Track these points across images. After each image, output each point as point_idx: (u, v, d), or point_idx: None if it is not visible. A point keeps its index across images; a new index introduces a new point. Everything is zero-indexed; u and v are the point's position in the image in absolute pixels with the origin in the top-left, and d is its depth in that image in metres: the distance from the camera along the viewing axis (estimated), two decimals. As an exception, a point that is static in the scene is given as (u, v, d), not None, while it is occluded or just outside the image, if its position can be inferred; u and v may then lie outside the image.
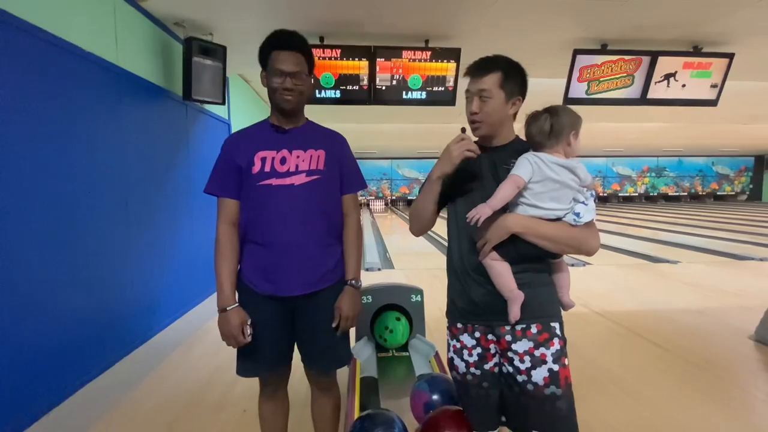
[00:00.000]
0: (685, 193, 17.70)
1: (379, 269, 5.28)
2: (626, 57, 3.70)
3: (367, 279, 4.03)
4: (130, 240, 2.66)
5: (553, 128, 1.06)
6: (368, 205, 16.19)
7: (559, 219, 1.07)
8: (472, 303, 1.12)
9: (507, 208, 1.09)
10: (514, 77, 1.11)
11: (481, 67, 1.11)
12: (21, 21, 1.82)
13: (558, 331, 1.09)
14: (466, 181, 1.14)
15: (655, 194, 17.59)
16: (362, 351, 1.78)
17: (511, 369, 1.08)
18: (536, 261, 1.11)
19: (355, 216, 1.37)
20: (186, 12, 3.04)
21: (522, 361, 1.06)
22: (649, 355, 2.63)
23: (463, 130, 1.22)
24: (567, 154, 1.07)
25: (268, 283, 1.25)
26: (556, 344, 1.07)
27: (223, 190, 1.25)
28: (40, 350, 1.92)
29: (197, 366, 2.50)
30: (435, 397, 1.26)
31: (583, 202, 1.07)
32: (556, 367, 1.05)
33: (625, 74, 3.78)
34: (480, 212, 1.04)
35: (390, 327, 1.81)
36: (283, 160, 1.24)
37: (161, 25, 3.11)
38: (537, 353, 1.06)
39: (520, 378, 1.06)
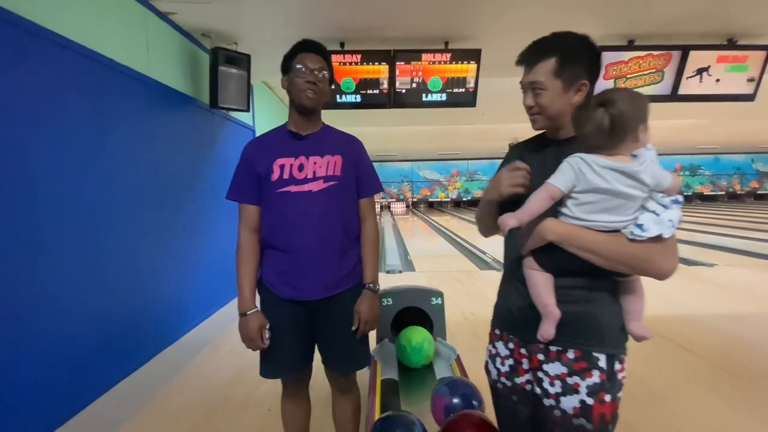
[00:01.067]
0: (723, 193, 16.86)
1: (400, 272, 5.27)
2: (655, 52, 3.58)
3: (388, 281, 4.05)
4: (161, 243, 2.77)
5: (614, 124, 0.82)
6: (389, 207, 16.21)
7: (617, 231, 0.86)
8: (510, 312, 1.05)
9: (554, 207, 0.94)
10: (575, 59, 0.93)
11: (533, 54, 0.96)
12: (60, 37, 1.93)
13: (602, 364, 0.92)
14: (531, 180, 0.98)
15: (690, 194, 16.84)
16: (383, 353, 1.79)
17: (539, 390, 0.99)
18: (591, 276, 0.92)
19: (372, 220, 1.39)
20: (212, 23, 3.16)
21: (552, 384, 0.95)
22: (681, 361, 2.52)
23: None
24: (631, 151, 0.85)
25: (289, 287, 1.27)
26: (596, 377, 0.92)
27: (244, 196, 1.29)
28: (76, 350, 2.02)
29: (224, 365, 2.57)
30: (455, 400, 1.25)
31: (653, 212, 0.83)
32: (590, 401, 0.91)
33: (654, 70, 3.65)
34: (505, 222, 0.93)
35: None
36: (300, 167, 1.25)
37: (189, 37, 3.24)
38: (569, 381, 0.93)
39: (547, 401, 0.96)
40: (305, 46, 1.27)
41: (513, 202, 0.97)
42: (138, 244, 2.53)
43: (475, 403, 1.24)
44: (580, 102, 0.95)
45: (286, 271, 1.27)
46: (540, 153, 1.03)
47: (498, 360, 1.09)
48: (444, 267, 5.55)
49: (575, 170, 0.87)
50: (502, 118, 7.46)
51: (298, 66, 1.23)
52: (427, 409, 1.35)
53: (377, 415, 1.33)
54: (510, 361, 1.07)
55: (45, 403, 1.82)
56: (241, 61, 3.43)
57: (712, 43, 3.58)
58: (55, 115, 1.91)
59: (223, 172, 3.68)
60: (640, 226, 0.83)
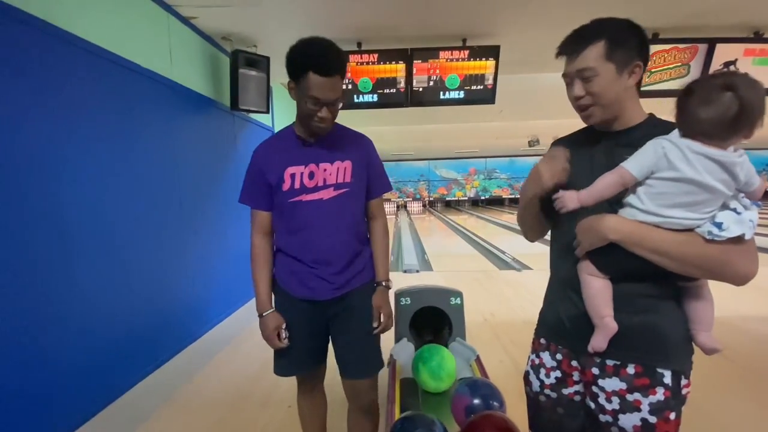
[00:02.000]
0: (752, 190, 16.23)
1: (417, 271, 5.26)
2: (680, 45, 3.47)
3: (406, 281, 4.03)
4: (182, 243, 2.84)
5: (742, 113, 0.71)
6: (406, 206, 16.18)
7: (690, 230, 0.78)
8: (560, 321, 0.96)
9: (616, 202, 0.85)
10: (625, 40, 0.85)
11: (577, 41, 0.88)
12: (86, 42, 2.00)
13: (667, 381, 0.85)
14: (575, 177, 0.90)
15: (717, 191, 16.27)
16: (402, 352, 1.79)
17: (593, 405, 0.91)
18: (655, 282, 0.84)
19: (382, 219, 1.40)
20: (232, 26, 3.21)
21: (608, 400, 0.88)
22: (711, 365, 2.41)
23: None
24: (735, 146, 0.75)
25: (302, 287, 1.29)
26: (660, 394, 0.85)
27: (256, 202, 1.30)
28: (99, 349, 2.09)
29: (246, 362, 2.62)
30: (476, 401, 1.25)
31: (733, 209, 0.76)
32: (653, 419, 0.84)
33: (679, 64, 3.54)
34: (565, 200, 0.85)
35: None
36: (311, 175, 1.24)
37: (210, 40, 3.30)
38: (630, 398, 0.86)
39: (603, 418, 0.89)
40: (319, 67, 1.08)
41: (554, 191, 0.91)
42: (160, 244, 2.60)
43: (496, 404, 1.23)
44: (638, 84, 0.88)
45: (298, 272, 1.29)
46: (587, 148, 0.92)
47: (542, 371, 1.02)
48: (462, 267, 5.51)
49: (658, 154, 0.77)
50: (522, 116, 7.35)
51: (312, 94, 1.11)
52: (447, 408, 1.35)
53: (397, 415, 1.33)
54: (557, 373, 0.99)
55: (73, 398, 1.89)
56: (261, 63, 3.48)
57: (738, 35, 3.45)
58: (83, 119, 1.98)
59: (243, 174, 3.73)
60: (719, 225, 0.75)
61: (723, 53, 3.47)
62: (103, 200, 2.09)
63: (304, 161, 1.24)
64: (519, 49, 3.67)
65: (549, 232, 1.08)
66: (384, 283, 1.36)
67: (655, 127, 0.86)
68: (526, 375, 1.09)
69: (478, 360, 1.70)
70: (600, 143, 0.92)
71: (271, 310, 1.31)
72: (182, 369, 2.54)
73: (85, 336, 1.96)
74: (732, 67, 3.49)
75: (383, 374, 1.65)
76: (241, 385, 2.34)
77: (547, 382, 1.01)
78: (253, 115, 4.05)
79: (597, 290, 0.86)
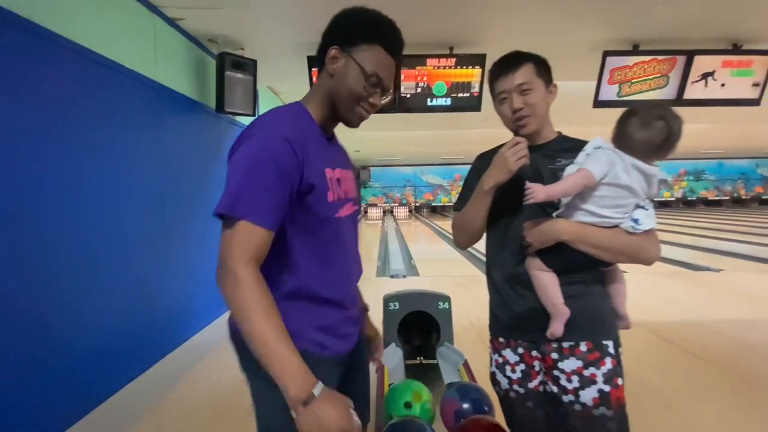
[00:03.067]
0: (727, 198, 16.78)
1: (404, 276, 5.26)
2: (660, 57, 3.58)
3: (392, 286, 4.02)
4: (167, 246, 2.78)
5: (668, 139, 0.90)
6: (392, 212, 16.22)
7: (615, 226, 0.96)
8: (515, 317, 1.06)
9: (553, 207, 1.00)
10: (543, 65, 1.04)
11: (511, 63, 1.03)
12: (69, 41, 1.95)
13: (611, 350, 1.00)
14: (506, 186, 1.01)
15: (694, 198, 16.77)
16: (390, 358, 1.78)
17: (556, 389, 1.02)
18: (586, 271, 1.02)
19: None
20: (219, 29, 3.18)
21: (569, 380, 0.99)
22: (691, 368, 2.49)
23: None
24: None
25: (340, 340, 0.92)
26: (608, 364, 0.99)
27: (273, 215, 0.79)
28: (79, 354, 2.02)
29: (228, 371, 2.55)
30: (465, 405, 1.24)
31: (643, 207, 0.96)
32: (607, 388, 0.98)
33: (658, 75, 3.65)
34: (535, 192, 0.92)
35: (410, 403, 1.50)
36: (339, 183, 0.92)
37: (196, 42, 3.27)
38: (586, 373, 0.98)
39: (566, 398, 1.00)
40: (394, 45, 0.89)
41: (505, 204, 1.04)
42: (143, 247, 2.53)
43: (485, 408, 1.23)
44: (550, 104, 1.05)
45: (336, 323, 0.91)
46: None
47: (507, 368, 1.10)
48: (448, 272, 5.53)
49: (610, 162, 0.91)
50: (506, 123, 7.45)
51: (375, 71, 0.86)
52: (436, 414, 1.34)
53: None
54: (521, 366, 1.08)
55: (50, 407, 1.82)
56: (248, 66, 3.46)
57: (716, 48, 3.58)
58: (63, 118, 1.93)
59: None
60: (636, 221, 0.94)
61: (701, 65, 3.59)
62: (82, 202, 2.03)
63: (333, 163, 0.91)
64: (505, 58, 3.74)
65: (485, 243, 1.16)
66: (367, 308, 1.14)
67: (565, 142, 1.06)
68: (493, 375, 1.16)
69: (465, 364, 1.70)
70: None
71: (319, 383, 0.75)
72: (164, 377, 2.47)
73: (61, 342, 1.89)
74: (710, 79, 3.62)
75: (372, 379, 1.63)
76: (224, 393, 2.29)
77: (514, 377, 1.09)
78: (239, 119, 4.01)
79: (547, 282, 0.99)
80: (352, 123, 0.91)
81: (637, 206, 0.96)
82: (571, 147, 1.01)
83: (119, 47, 2.32)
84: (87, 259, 2.05)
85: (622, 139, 0.94)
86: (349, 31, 0.87)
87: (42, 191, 1.80)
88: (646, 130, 0.90)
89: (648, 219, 0.95)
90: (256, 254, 0.78)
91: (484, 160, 1.10)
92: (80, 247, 2.01)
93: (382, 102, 0.93)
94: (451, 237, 1.23)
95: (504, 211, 1.06)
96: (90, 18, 2.11)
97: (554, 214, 1.01)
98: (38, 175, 1.78)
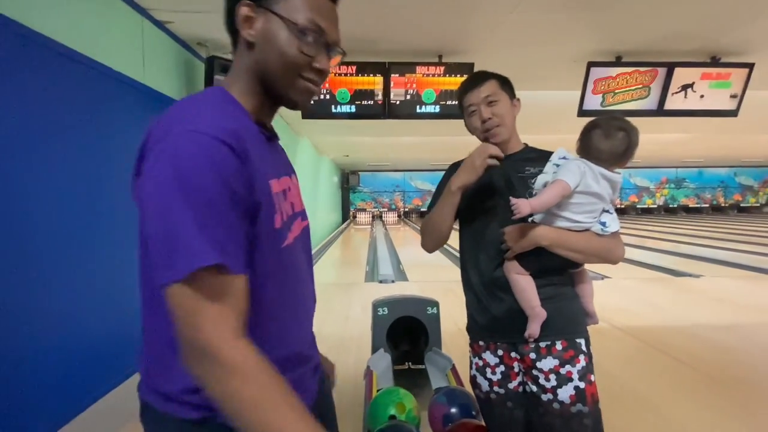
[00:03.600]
0: (707, 205, 17.25)
1: (392, 281, 5.27)
2: (641, 69, 3.68)
3: (381, 291, 4.01)
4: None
5: (628, 149, 0.99)
6: (381, 217, 16.23)
7: (586, 230, 1.04)
8: (494, 320, 1.10)
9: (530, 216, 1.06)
10: (506, 81, 1.14)
11: (477, 79, 1.13)
12: (56, 43, 1.93)
13: (584, 347, 1.07)
14: (479, 193, 1.11)
15: (675, 206, 17.20)
16: (379, 363, 1.78)
17: (535, 388, 1.06)
18: (559, 273, 1.09)
19: None
20: (208, 33, 3.17)
21: (547, 379, 1.04)
22: (674, 372, 2.55)
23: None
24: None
25: (305, 393, 0.72)
26: (582, 361, 1.05)
27: (236, 255, 0.56)
28: (61, 358, 1.97)
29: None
30: (453, 410, 1.26)
31: (608, 211, 1.05)
32: (582, 385, 1.04)
33: (640, 86, 3.75)
34: (520, 207, 0.97)
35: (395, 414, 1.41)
36: (286, 195, 0.68)
37: (185, 45, 3.24)
38: (563, 371, 1.04)
39: (545, 397, 1.04)
40: None
41: (459, 211, 1.10)
42: (131, 252, 2.49)
43: (473, 412, 1.24)
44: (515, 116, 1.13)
45: (297, 379, 0.68)
46: (487, 171, 1.08)
47: (488, 370, 1.13)
48: (437, 277, 5.55)
49: (582, 172, 0.99)
50: (494, 130, 7.54)
51: (309, 22, 0.63)
52: (425, 418, 1.35)
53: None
54: (501, 368, 1.12)
55: (41, 408, 1.76)
56: (237, 70, 3.44)
57: (696, 60, 3.71)
58: (49, 121, 1.90)
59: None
60: (603, 224, 1.03)
61: (681, 76, 3.71)
62: (65, 205, 1.99)
63: (276, 170, 0.68)
64: (492, 67, 3.78)
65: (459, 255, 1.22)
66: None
67: (532, 152, 1.14)
68: (473, 378, 1.18)
69: (453, 369, 1.71)
70: (494, 167, 1.09)
71: None
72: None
73: (50, 343, 1.84)
74: (689, 90, 3.74)
75: (361, 385, 1.63)
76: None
77: (494, 379, 1.13)
78: (228, 123, 3.99)
79: (525, 285, 1.04)
80: (298, 104, 0.67)
81: (604, 211, 1.04)
82: (538, 157, 1.10)
83: (106, 49, 2.29)
84: (73, 263, 2.01)
85: (588, 150, 1.03)
86: None
87: (24, 193, 1.76)
88: (609, 141, 0.99)
89: (614, 222, 1.04)
90: (241, 317, 0.55)
91: (457, 168, 1.16)
92: (65, 252, 1.97)
93: (334, 63, 0.69)
94: (440, 242, 1.25)
95: (479, 215, 1.13)
96: (76, 19, 2.08)
97: (530, 220, 1.07)
98: (24, 179, 1.74)
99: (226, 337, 0.53)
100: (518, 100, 1.15)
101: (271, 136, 0.71)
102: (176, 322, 0.54)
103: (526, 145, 1.17)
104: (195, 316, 0.53)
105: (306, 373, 0.73)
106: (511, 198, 1.01)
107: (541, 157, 1.10)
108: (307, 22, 0.62)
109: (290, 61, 0.63)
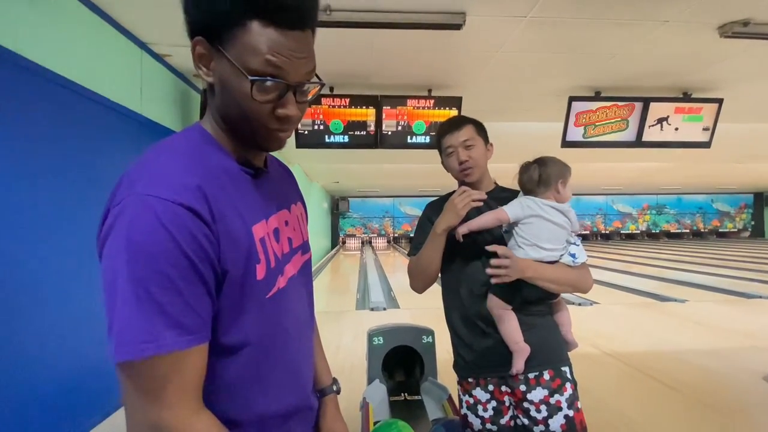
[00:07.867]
0: (687, 231, 17.72)
1: (384, 308, 5.22)
2: (620, 103, 3.89)
3: (373, 319, 3.99)
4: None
5: (541, 177, 1.16)
6: (371, 242, 16.20)
7: (556, 261, 1.13)
8: (482, 355, 1.14)
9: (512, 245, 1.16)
10: (481, 127, 1.25)
11: (457, 123, 1.23)
12: (55, 74, 1.96)
13: (569, 375, 1.12)
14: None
15: (658, 231, 17.62)
16: (374, 394, 1.78)
17: (527, 421, 1.09)
18: (538, 304, 1.15)
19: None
20: (206, 65, 3.26)
21: (538, 410, 1.07)
22: (661, 396, 2.58)
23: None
24: (557, 200, 1.17)
25: None
26: (569, 389, 1.10)
27: (198, 324, 0.53)
28: (50, 387, 1.91)
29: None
30: (451, 441, 1.26)
31: (575, 243, 1.15)
32: (571, 413, 1.07)
33: (619, 119, 3.95)
34: (458, 230, 1.12)
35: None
36: (277, 235, 0.66)
37: (181, 77, 3.32)
38: (552, 401, 1.08)
39: (537, 429, 1.08)
40: (287, 7, 0.54)
41: (458, 246, 1.15)
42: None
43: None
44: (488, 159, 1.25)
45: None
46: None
47: (480, 408, 1.15)
48: (428, 304, 5.52)
49: (523, 206, 1.14)
50: (481, 158, 7.73)
51: (265, 64, 0.55)
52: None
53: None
54: (493, 404, 1.14)
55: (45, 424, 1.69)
56: (232, 101, 3.52)
57: (669, 95, 3.93)
58: (48, 151, 1.92)
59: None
60: (573, 255, 1.13)
61: (656, 111, 3.92)
62: (67, 235, 1.99)
63: (265, 210, 0.65)
64: (479, 101, 3.97)
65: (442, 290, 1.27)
66: (335, 387, 0.85)
67: (502, 191, 1.26)
68: (465, 418, 1.19)
69: (449, 399, 1.71)
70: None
71: None
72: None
73: (33, 374, 1.78)
74: (664, 123, 3.95)
75: (356, 417, 1.62)
76: None
77: (486, 415, 1.15)
78: (221, 151, 4.03)
79: (511, 322, 1.10)
80: (270, 148, 0.64)
81: (571, 243, 1.14)
82: (508, 196, 1.21)
83: (105, 81, 2.34)
84: (68, 293, 1.98)
85: (521, 188, 1.21)
86: (207, 9, 0.54)
87: (24, 226, 1.75)
88: (526, 174, 1.18)
89: (581, 253, 1.14)
90: (198, 389, 0.53)
91: (435, 207, 1.25)
92: (60, 280, 1.94)
93: (308, 99, 0.62)
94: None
95: (457, 254, 1.19)
96: (75, 50, 2.13)
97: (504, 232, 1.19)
98: (20, 209, 1.74)
99: (183, 414, 0.51)
100: (491, 144, 1.25)
101: (258, 173, 0.66)
102: (125, 401, 0.52)
103: (497, 184, 1.28)
104: (145, 398, 0.50)
105: (297, 426, 0.69)
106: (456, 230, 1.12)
107: (512, 196, 1.22)
108: (262, 65, 0.54)
109: (247, 112, 0.57)
